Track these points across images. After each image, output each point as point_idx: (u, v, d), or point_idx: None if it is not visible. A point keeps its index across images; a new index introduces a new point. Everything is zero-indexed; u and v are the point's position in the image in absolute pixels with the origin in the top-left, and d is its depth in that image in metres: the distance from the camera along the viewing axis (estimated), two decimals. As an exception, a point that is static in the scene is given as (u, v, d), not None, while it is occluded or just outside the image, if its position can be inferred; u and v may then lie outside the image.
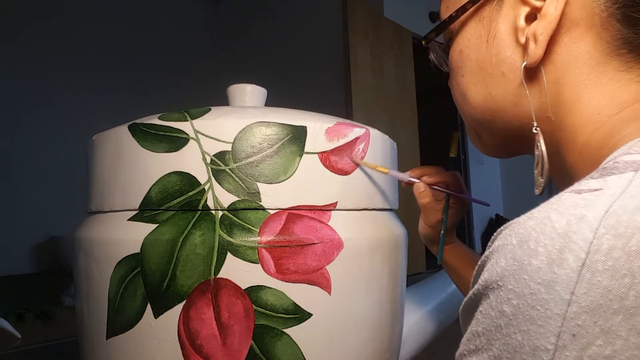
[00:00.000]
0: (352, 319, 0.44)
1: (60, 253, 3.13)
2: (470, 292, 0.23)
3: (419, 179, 0.50)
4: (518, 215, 0.22)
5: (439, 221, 0.51)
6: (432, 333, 0.61)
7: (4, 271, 3.10)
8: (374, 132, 0.49)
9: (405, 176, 0.50)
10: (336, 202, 0.44)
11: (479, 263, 0.23)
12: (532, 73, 0.30)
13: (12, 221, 3.18)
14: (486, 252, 0.23)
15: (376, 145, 0.49)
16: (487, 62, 0.32)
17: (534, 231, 0.20)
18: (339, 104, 2.73)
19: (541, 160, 0.30)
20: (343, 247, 0.43)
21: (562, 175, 0.32)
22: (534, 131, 0.30)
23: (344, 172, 0.45)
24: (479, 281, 0.22)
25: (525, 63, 0.29)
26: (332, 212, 0.44)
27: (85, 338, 0.46)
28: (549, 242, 0.19)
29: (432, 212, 0.51)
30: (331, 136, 0.45)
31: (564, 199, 0.21)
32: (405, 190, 0.56)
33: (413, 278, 0.84)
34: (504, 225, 0.22)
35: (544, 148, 0.30)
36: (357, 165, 0.47)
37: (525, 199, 3.89)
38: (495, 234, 0.23)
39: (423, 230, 0.54)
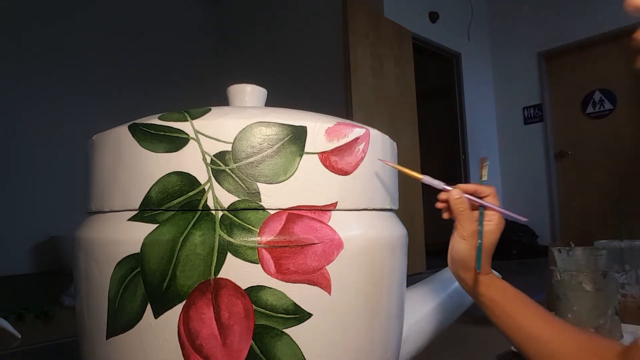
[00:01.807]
0: (352, 319, 0.44)
1: (60, 253, 3.13)
2: None
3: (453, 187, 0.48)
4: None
5: (475, 233, 0.47)
6: (432, 333, 0.61)
7: (4, 271, 3.10)
8: (374, 132, 0.49)
9: (441, 183, 0.48)
10: (336, 202, 0.44)
11: None
12: None
13: (12, 221, 3.18)
14: None
15: (376, 145, 0.49)
16: None
17: None
18: (339, 104, 2.73)
19: None
20: (343, 247, 0.43)
21: None
22: None
23: (344, 172, 0.45)
24: None
25: None
26: (332, 212, 0.44)
27: (85, 338, 0.46)
28: None
29: (468, 222, 0.47)
30: (331, 136, 0.45)
31: None
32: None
33: (413, 278, 0.84)
34: None
35: None
36: (392, 166, 0.47)
37: (525, 199, 3.88)
38: None
39: (457, 247, 0.47)
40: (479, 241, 0.46)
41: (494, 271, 0.49)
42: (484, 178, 0.52)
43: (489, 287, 0.46)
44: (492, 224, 0.47)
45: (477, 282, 0.47)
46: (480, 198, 0.48)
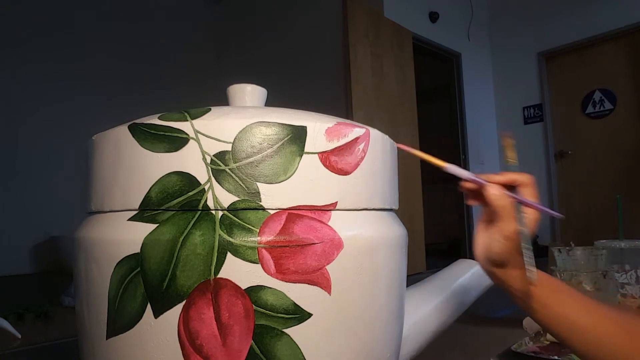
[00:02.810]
0: (352, 319, 0.44)
1: (60, 253, 3.13)
2: None
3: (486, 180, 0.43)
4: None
5: (517, 232, 0.42)
6: (432, 333, 0.61)
7: (4, 271, 3.10)
8: (374, 132, 0.49)
9: (470, 174, 0.43)
10: (336, 202, 0.44)
11: None
12: None
13: (12, 221, 3.18)
14: None
15: (376, 145, 0.49)
16: None
17: None
18: (339, 104, 2.73)
19: None
20: (343, 247, 0.43)
21: None
22: None
23: (344, 172, 0.45)
24: None
25: None
26: (332, 212, 0.44)
27: (85, 338, 0.46)
28: None
29: (511, 221, 0.41)
30: (331, 136, 0.45)
31: None
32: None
33: (413, 278, 0.84)
34: None
35: None
36: (412, 153, 0.46)
37: (525, 199, 3.88)
38: None
39: (495, 246, 0.42)
40: (524, 244, 0.41)
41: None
42: (514, 162, 0.44)
43: (540, 287, 0.42)
44: (530, 217, 0.43)
45: (517, 279, 0.43)
46: (514, 188, 0.43)
